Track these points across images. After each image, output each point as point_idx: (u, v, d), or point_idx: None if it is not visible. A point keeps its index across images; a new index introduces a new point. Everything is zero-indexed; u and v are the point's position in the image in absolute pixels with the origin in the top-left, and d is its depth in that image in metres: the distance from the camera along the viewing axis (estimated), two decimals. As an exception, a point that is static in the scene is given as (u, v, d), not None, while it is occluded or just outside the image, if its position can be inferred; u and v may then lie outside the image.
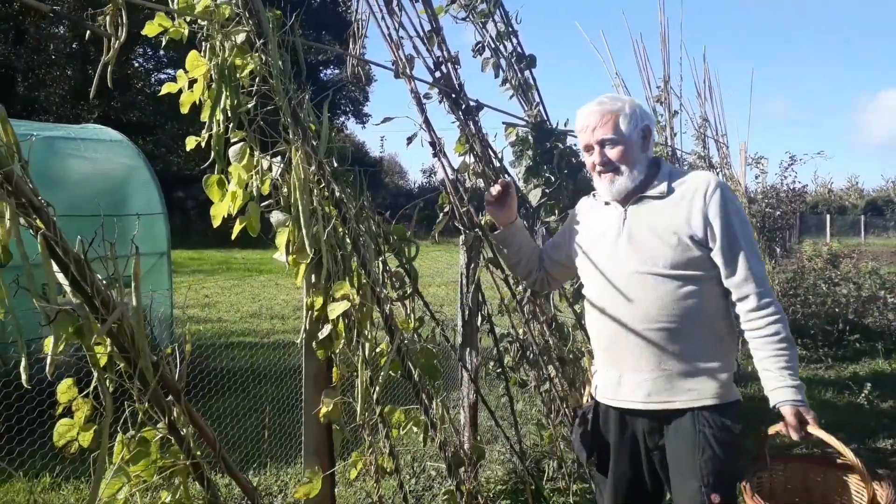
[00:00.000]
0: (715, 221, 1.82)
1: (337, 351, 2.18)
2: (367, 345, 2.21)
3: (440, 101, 3.38)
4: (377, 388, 2.14)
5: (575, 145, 4.23)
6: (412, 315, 2.50)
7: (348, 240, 2.22)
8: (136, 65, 25.22)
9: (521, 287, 3.41)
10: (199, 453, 1.60)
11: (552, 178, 3.98)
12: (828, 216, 28.60)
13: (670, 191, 1.90)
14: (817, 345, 6.35)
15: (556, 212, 4.04)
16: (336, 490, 3.22)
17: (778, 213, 9.60)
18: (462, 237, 3.02)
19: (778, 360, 1.79)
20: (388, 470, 2.35)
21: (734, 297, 1.85)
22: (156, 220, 5.42)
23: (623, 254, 1.92)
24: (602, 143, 1.91)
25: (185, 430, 1.55)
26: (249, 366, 5.11)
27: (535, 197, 3.97)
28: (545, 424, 3.43)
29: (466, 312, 3.04)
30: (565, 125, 4.12)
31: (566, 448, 3.26)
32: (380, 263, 2.47)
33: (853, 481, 1.88)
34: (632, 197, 1.95)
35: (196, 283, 9.38)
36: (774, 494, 1.95)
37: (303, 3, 2.43)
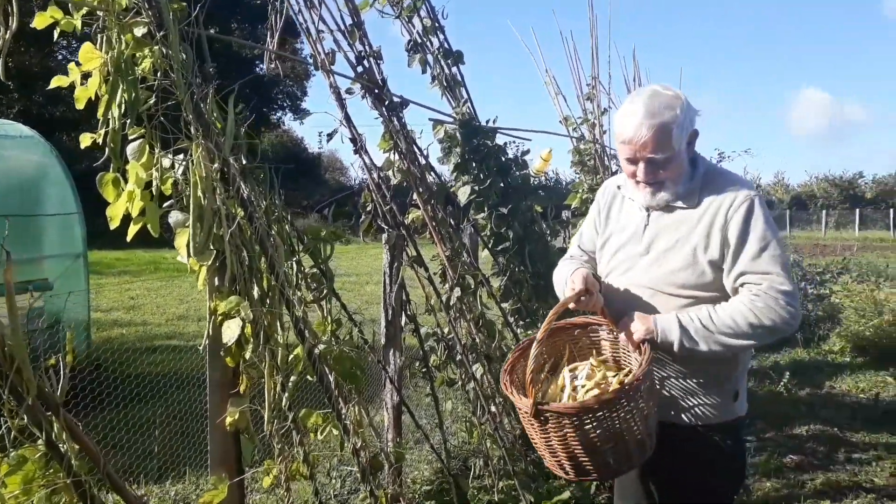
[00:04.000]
0: (732, 241, 1.68)
1: (247, 357, 2.09)
2: (277, 350, 2.14)
3: (363, 97, 3.31)
4: (287, 395, 2.06)
5: (506, 143, 4.24)
6: (329, 317, 2.43)
7: (256, 240, 2.13)
8: (60, 57, 24.11)
9: (447, 286, 3.38)
10: (83, 470, 1.49)
11: (482, 175, 3.97)
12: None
13: (698, 202, 1.73)
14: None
15: (486, 209, 4.04)
16: (252, 500, 3.12)
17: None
18: (385, 236, 2.96)
19: (711, 314, 1.66)
20: (304, 476, 2.27)
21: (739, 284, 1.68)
22: (71, 220, 5.16)
23: (639, 265, 1.79)
24: (650, 161, 1.70)
25: (65, 446, 1.45)
26: (172, 371, 4.92)
27: (464, 194, 3.95)
28: (474, 422, 3.41)
29: (390, 312, 2.98)
30: (494, 122, 4.11)
31: (493, 446, 3.25)
32: (293, 264, 2.40)
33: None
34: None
35: (122, 285, 8.99)
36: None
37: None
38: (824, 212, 33.80)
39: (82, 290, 5.06)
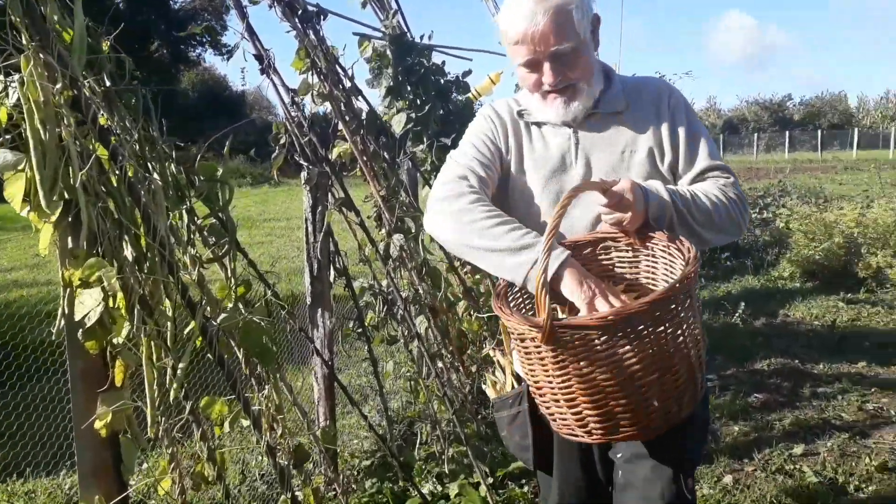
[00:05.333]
0: (682, 136, 1.44)
1: (120, 339, 1.60)
2: (166, 326, 1.67)
3: (271, 6, 2.74)
4: (176, 384, 1.60)
5: (443, 62, 3.73)
6: (232, 279, 1.95)
7: (125, 186, 1.62)
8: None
9: (383, 231, 2.92)
10: None
11: (418, 100, 3.47)
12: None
13: (628, 105, 1.46)
14: (691, 265, 6.38)
15: (425, 139, 3.56)
16: None
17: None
18: (304, 174, 2.46)
19: (694, 197, 1.37)
20: (208, 481, 1.85)
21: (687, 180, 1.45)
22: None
23: (582, 199, 1.41)
24: (555, 57, 1.37)
25: None
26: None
27: (398, 123, 3.43)
28: (420, 383, 3.04)
29: (315, 265, 2.52)
30: (429, 39, 3.59)
31: (441, 407, 2.89)
32: (184, 214, 1.90)
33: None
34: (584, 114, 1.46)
35: (27, 241, 8.14)
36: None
37: None
38: (756, 135, 34.43)
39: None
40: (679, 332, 1.16)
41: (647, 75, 1.62)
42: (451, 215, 1.39)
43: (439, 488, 2.57)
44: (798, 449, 2.98)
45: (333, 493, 2.42)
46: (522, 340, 1.21)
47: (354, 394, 3.49)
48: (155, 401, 1.59)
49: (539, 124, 1.51)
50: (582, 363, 1.14)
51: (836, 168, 20.04)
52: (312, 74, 2.76)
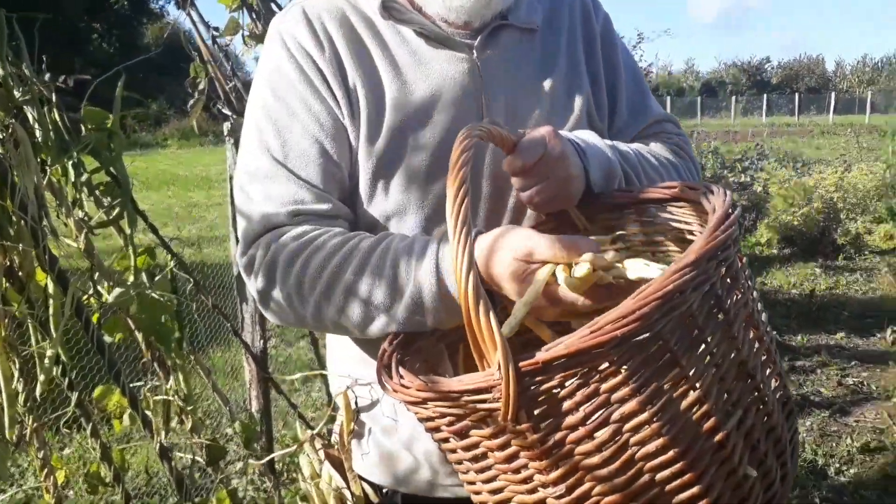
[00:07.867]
0: (621, 67, 0.97)
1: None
2: (41, 303, 1.39)
3: (195, -69, 2.38)
4: (40, 378, 1.31)
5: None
6: (130, 247, 1.66)
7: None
8: None
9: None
10: None
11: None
12: (668, 99, 29.70)
13: (545, 19, 0.92)
14: (666, 232, 6.18)
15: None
16: None
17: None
18: (227, 125, 2.15)
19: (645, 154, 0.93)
20: (105, 481, 1.58)
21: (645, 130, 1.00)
22: None
23: (483, 168, 0.87)
24: None
25: None
26: None
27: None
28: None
29: (244, 231, 2.22)
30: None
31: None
32: (69, 168, 1.59)
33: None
34: (487, 26, 0.88)
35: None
36: None
37: None
38: (734, 98, 34.30)
39: None
40: (745, 321, 0.63)
41: None
42: (288, 287, 0.82)
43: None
44: (775, 429, 2.80)
45: (265, 487, 2.18)
46: (462, 433, 0.64)
47: (303, 370, 3.22)
48: (13, 397, 1.30)
49: (421, 35, 0.86)
50: (596, 430, 0.58)
51: (812, 132, 19.96)
52: (243, 12, 2.43)
